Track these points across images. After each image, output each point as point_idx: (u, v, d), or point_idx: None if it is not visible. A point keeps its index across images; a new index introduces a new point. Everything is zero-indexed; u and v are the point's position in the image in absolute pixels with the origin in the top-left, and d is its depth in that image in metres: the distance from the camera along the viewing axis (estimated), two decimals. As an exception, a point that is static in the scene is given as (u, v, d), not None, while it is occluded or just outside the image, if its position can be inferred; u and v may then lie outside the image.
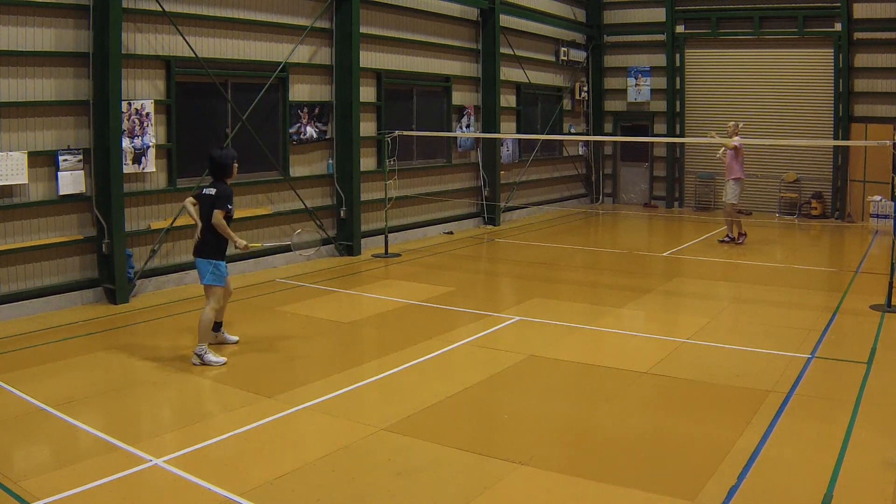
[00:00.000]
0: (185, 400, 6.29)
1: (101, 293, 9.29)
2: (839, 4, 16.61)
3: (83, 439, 5.35)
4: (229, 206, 6.98)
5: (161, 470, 4.81)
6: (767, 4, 17.59)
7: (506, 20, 16.27)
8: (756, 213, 17.68)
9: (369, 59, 12.97)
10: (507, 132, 16.77)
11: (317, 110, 12.16)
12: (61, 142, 8.83)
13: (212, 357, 6.91)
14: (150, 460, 4.91)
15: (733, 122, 13.62)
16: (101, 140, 9.01)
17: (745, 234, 13.63)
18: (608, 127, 20.39)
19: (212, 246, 7.03)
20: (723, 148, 13.55)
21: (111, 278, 9.15)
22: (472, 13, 15.55)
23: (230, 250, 7.22)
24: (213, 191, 7.01)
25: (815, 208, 17.18)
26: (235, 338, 7.61)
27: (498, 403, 6.14)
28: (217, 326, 7.48)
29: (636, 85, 19.66)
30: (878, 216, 15.81)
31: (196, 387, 6.48)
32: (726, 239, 13.68)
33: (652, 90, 19.45)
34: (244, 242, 7.12)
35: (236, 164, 7.23)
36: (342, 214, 12.51)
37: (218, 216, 6.90)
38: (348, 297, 10.05)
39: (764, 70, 17.86)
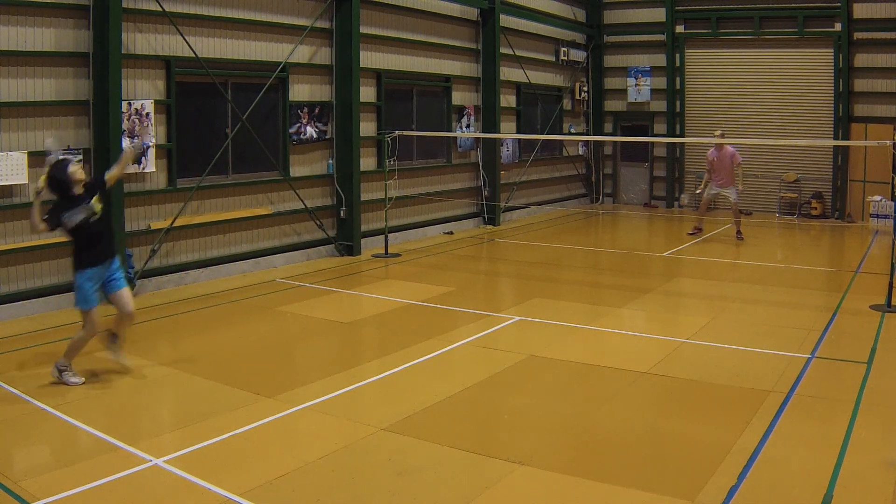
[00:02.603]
0: (186, 400, 6.29)
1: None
2: (839, 4, 16.59)
3: (83, 439, 5.36)
4: (55, 224, 6.21)
5: (161, 470, 4.81)
6: (767, 4, 17.58)
7: (506, 20, 16.27)
8: (756, 212, 17.68)
9: (369, 59, 12.97)
10: (507, 132, 16.75)
11: (317, 110, 12.15)
12: (61, 142, 8.82)
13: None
14: (150, 460, 4.91)
15: (720, 131, 14.17)
16: (101, 140, 9.01)
17: (701, 230, 14.39)
18: (608, 127, 20.37)
19: (74, 258, 6.44)
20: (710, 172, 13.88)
21: (111, 278, 9.13)
22: (472, 13, 15.54)
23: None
24: None
25: (815, 208, 17.18)
26: (80, 380, 6.42)
27: (498, 403, 6.14)
28: (113, 337, 6.76)
29: (636, 85, 19.65)
30: (878, 216, 15.82)
31: (196, 387, 6.48)
32: (739, 236, 13.99)
33: (652, 90, 19.43)
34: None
35: (73, 169, 6.21)
36: (342, 214, 12.51)
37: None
38: (348, 297, 10.05)
39: (764, 70, 17.84)
